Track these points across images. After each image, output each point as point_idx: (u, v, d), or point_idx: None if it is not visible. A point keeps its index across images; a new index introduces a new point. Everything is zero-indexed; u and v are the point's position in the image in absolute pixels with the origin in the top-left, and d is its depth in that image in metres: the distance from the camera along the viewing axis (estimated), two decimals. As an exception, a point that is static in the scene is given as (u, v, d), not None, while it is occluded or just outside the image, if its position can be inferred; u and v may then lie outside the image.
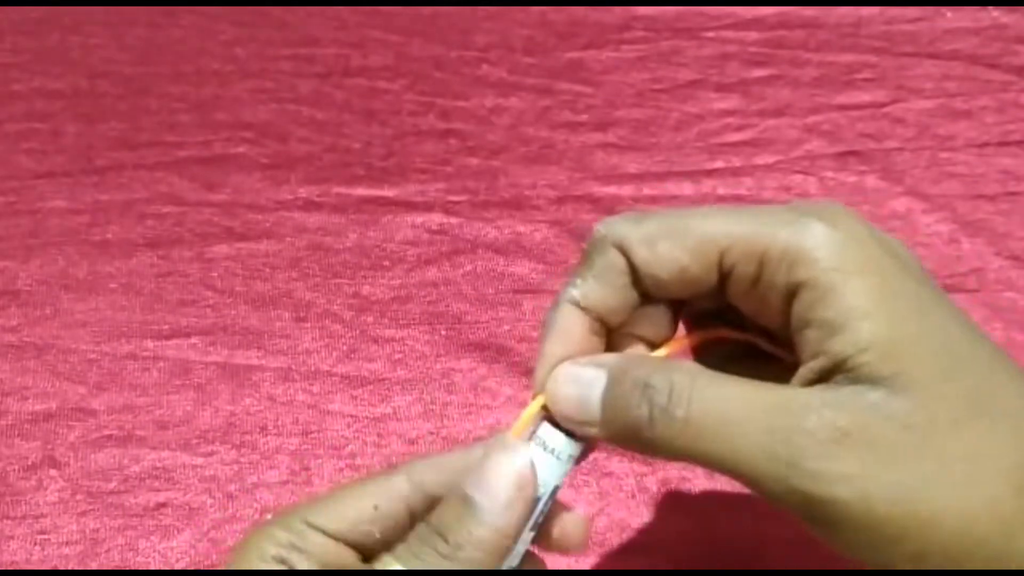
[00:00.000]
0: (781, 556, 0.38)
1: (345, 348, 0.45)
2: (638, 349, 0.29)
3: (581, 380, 0.27)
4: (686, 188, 0.51)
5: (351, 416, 0.43)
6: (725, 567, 0.39)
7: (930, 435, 0.23)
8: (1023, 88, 0.55)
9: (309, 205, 0.51)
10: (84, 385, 0.44)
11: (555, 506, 0.28)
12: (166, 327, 0.46)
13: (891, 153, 0.52)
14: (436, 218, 0.50)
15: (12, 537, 0.40)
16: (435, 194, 0.51)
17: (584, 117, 0.55)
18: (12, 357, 0.45)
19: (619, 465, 0.41)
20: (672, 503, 0.40)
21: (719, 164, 0.52)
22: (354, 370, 0.45)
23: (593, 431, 0.27)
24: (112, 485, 0.41)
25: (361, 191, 0.51)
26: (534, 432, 0.27)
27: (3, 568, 0.39)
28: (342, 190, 0.51)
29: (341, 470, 0.42)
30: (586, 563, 0.39)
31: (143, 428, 0.43)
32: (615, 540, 0.39)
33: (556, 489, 0.27)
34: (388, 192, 0.51)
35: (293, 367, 0.45)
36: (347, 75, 0.57)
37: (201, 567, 0.39)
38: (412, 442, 0.43)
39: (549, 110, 0.55)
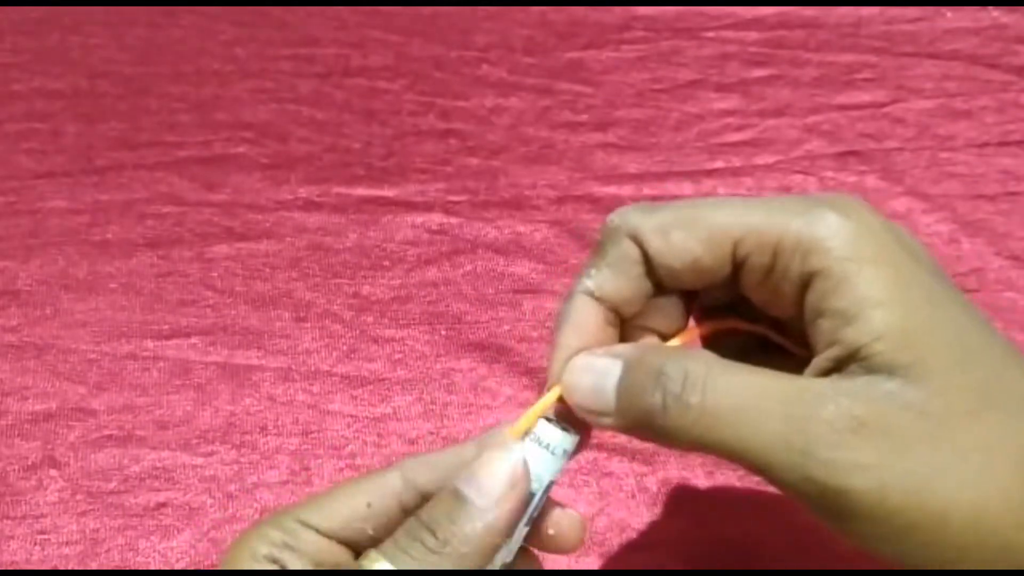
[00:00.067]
0: (781, 556, 0.38)
1: (345, 348, 0.45)
2: (651, 341, 0.29)
3: (596, 369, 0.27)
4: (686, 188, 0.51)
5: (351, 416, 0.43)
6: (725, 567, 0.38)
7: (945, 425, 0.23)
8: (1023, 88, 0.55)
9: (309, 205, 0.51)
10: (84, 385, 0.44)
11: (550, 504, 0.28)
12: (166, 327, 0.46)
13: (891, 153, 0.52)
14: (436, 218, 0.50)
15: (12, 537, 0.40)
16: (435, 194, 0.51)
17: (584, 117, 0.55)
18: (12, 357, 0.45)
19: (619, 465, 0.41)
20: (672, 503, 0.40)
21: (719, 164, 0.52)
22: (354, 370, 0.45)
23: (608, 420, 0.26)
24: (112, 485, 0.41)
25: (361, 191, 0.51)
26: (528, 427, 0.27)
27: (3, 568, 0.39)
28: (342, 190, 0.51)
29: (341, 470, 0.42)
30: (586, 563, 0.39)
31: (143, 428, 0.43)
32: (615, 540, 0.39)
33: (551, 484, 0.27)
34: (388, 192, 0.51)
35: (293, 367, 0.45)
36: (347, 75, 0.57)
37: (201, 567, 0.39)
38: (412, 442, 0.42)
39: (549, 110, 0.55)
